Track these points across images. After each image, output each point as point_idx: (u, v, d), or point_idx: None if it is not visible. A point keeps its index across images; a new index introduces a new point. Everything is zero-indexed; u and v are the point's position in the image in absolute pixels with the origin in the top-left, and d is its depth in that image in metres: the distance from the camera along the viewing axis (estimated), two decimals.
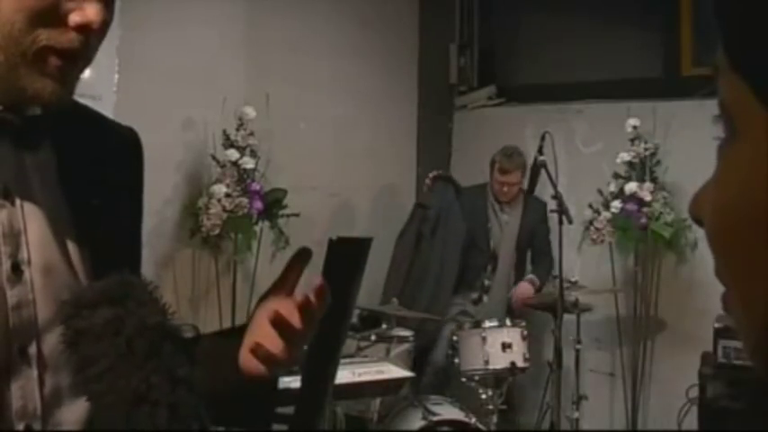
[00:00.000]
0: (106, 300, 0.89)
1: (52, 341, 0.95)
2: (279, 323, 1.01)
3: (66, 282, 0.98)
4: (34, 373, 0.96)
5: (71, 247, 1.01)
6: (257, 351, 1.02)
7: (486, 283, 4.81)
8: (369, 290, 4.55)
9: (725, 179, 0.49)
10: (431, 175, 5.03)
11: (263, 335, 1.03)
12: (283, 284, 1.08)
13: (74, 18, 0.91)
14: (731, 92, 0.49)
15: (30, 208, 0.98)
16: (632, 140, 4.68)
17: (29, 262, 0.97)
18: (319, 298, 1.02)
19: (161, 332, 0.91)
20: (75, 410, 0.99)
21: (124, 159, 1.14)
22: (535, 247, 4.80)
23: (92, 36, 0.93)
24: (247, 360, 1.05)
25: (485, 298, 4.80)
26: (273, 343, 1.02)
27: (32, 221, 0.98)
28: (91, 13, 0.91)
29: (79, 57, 0.94)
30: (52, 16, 0.91)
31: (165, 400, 0.88)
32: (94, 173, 1.06)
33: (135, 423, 0.87)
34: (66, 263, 1.00)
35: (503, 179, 4.68)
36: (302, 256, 1.10)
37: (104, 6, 0.93)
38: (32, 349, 0.96)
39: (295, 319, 1.02)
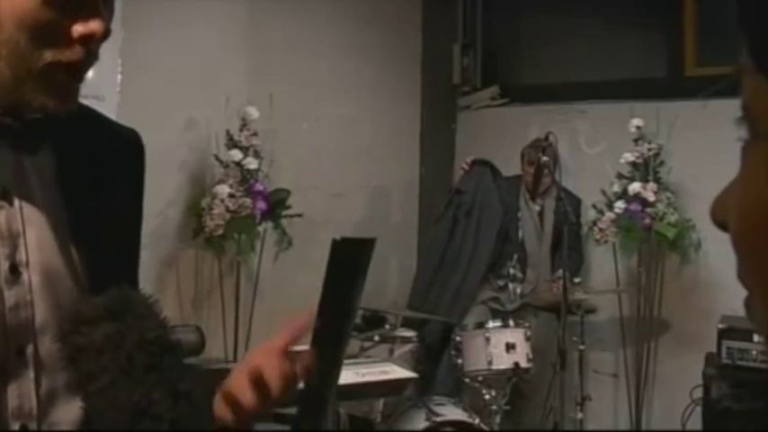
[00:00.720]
0: (106, 315, 0.89)
1: (49, 342, 0.96)
2: (257, 382, 1.01)
3: (64, 283, 0.99)
4: (31, 373, 0.96)
5: (70, 248, 1.01)
6: (228, 400, 1.01)
7: (512, 271, 4.82)
8: (372, 290, 4.55)
9: (749, 180, 0.49)
10: (468, 159, 4.98)
11: (238, 385, 1.02)
12: (283, 339, 1.07)
13: (77, 29, 0.92)
14: (755, 93, 0.48)
15: (29, 210, 0.98)
16: (636, 141, 4.67)
17: (27, 263, 0.97)
18: (304, 372, 1.03)
19: (161, 346, 0.90)
20: (70, 411, 0.99)
21: (125, 161, 1.14)
22: (563, 241, 4.76)
23: (94, 45, 0.94)
24: (219, 402, 1.03)
25: (510, 286, 4.81)
26: (246, 396, 1.01)
27: (31, 223, 0.98)
28: (94, 24, 0.93)
29: (84, 68, 0.95)
30: (55, 31, 0.92)
31: (167, 415, 0.88)
32: (94, 175, 1.06)
33: None
34: (66, 265, 1.00)
35: (530, 170, 4.66)
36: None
37: (105, 15, 0.94)
38: (29, 350, 0.96)
39: (274, 382, 1.02)
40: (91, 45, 0.93)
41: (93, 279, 1.01)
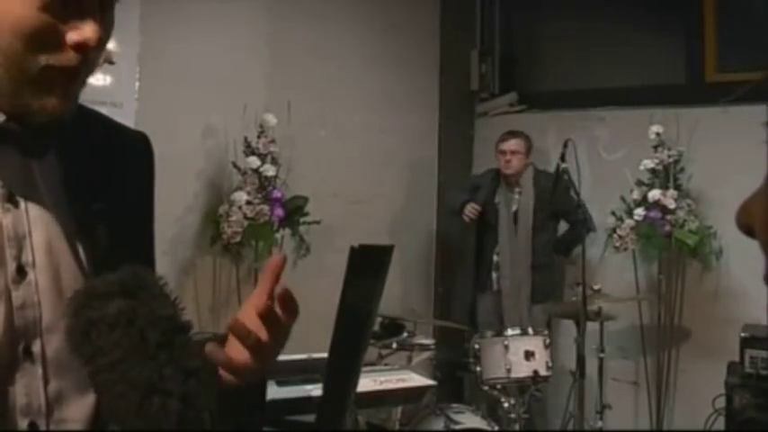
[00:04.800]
0: (119, 291, 0.90)
1: (57, 341, 0.98)
2: (238, 333, 0.99)
3: (71, 284, 1.00)
4: (39, 371, 0.98)
5: (78, 249, 1.02)
6: (215, 356, 0.99)
7: (495, 259, 4.88)
8: (390, 298, 4.54)
9: None
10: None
11: (229, 344, 1.02)
12: (262, 291, 1.03)
13: (71, 37, 0.94)
14: None
15: (36, 212, 1.00)
16: (655, 147, 4.64)
17: (34, 264, 0.99)
18: (284, 307, 0.99)
19: (173, 324, 0.91)
20: (79, 409, 1.01)
21: (134, 163, 1.15)
22: (560, 214, 4.77)
23: (90, 52, 0.95)
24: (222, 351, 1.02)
25: (493, 275, 4.90)
26: (237, 351, 1.00)
27: (38, 225, 1.00)
28: (88, 31, 0.94)
29: (80, 73, 0.97)
30: (50, 38, 0.93)
31: (178, 391, 0.88)
32: (102, 177, 1.07)
33: (146, 413, 0.87)
34: (74, 265, 1.02)
35: (502, 147, 4.79)
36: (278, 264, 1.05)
37: (101, 23, 0.95)
38: (37, 348, 0.98)
39: (261, 331, 0.99)
40: (86, 52, 0.95)
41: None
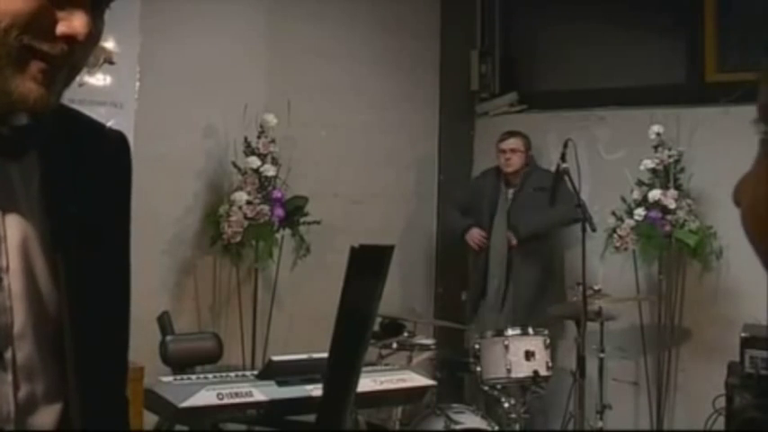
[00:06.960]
0: None
1: (28, 347, 0.97)
2: None
3: (46, 289, 0.99)
4: (9, 377, 0.97)
5: (55, 254, 1.01)
6: None
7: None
8: (390, 297, 4.54)
9: (764, 174, 0.49)
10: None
11: None
12: None
13: (60, 28, 0.93)
14: None
15: (11, 215, 0.99)
16: (656, 147, 4.64)
17: (7, 269, 0.98)
18: None
19: None
20: (48, 416, 1.00)
21: (110, 165, 1.14)
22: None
23: (77, 46, 0.94)
24: None
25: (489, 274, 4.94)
26: None
27: (14, 229, 0.99)
28: (78, 24, 0.93)
29: (63, 64, 0.95)
30: (39, 23, 0.92)
31: None
32: (80, 180, 1.06)
33: None
34: (48, 270, 1.01)
35: (502, 146, 4.86)
36: None
37: (92, 18, 0.94)
38: (8, 354, 0.97)
39: None
40: (72, 44, 0.94)
41: (77, 284, 1.02)
